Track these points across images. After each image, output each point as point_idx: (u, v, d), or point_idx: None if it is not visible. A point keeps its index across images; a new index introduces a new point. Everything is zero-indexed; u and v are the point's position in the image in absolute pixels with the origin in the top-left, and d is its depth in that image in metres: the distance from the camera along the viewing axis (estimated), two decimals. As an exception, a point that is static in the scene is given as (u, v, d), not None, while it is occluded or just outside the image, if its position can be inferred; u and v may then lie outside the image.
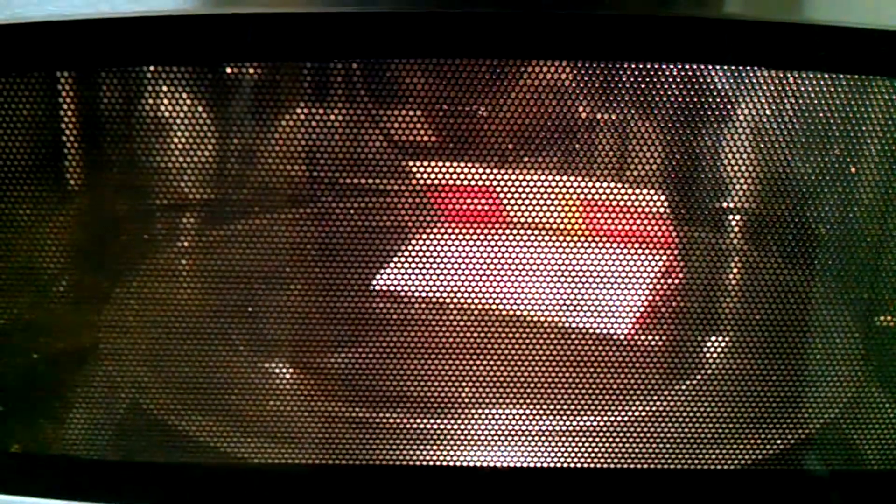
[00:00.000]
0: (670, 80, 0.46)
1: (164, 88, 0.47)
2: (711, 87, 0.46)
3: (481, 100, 0.47)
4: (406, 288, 0.51)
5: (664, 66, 0.46)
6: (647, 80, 0.46)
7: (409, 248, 0.51)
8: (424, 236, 0.50)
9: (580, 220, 0.50)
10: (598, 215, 0.50)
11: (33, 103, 0.48)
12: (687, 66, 0.46)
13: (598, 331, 0.53)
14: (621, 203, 0.50)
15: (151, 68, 0.47)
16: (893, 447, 0.55)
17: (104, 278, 0.54)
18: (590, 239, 0.51)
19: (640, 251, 0.51)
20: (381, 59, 0.45)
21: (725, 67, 0.46)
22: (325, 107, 0.48)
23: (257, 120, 0.50)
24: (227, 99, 0.49)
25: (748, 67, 0.46)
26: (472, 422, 0.54)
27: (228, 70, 0.48)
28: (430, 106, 0.47)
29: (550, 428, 0.54)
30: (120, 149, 0.50)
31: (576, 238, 0.51)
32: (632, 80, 0.46)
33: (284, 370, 0.55)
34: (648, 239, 0.51)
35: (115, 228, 0.53)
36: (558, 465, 0.54)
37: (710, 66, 0.46)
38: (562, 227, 0.50)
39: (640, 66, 0.46)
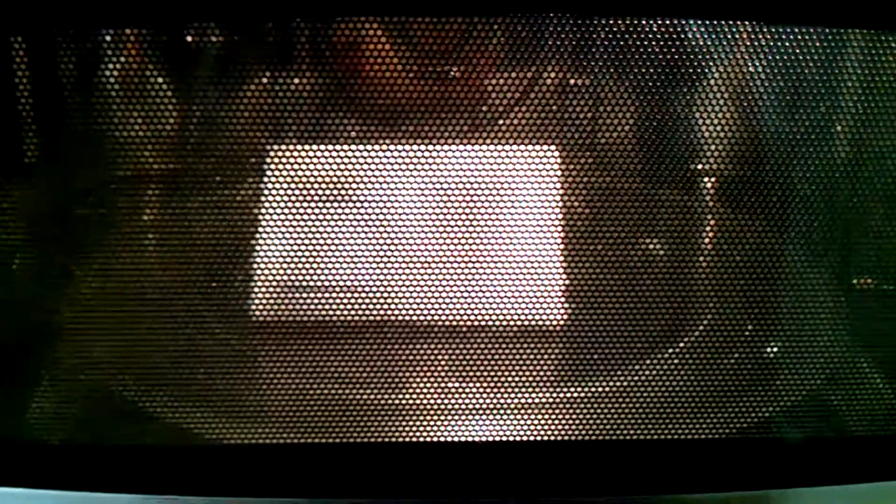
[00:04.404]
0: (644, 36, 0.45)
1: (124, 54, 0.46)
2: (685, 43, 0.46)
3: (450, 60, 0.46)
4: (379, 260, 0.50)
5: (638, 22, 0.45)
6: (621, 36, 0.45)
7: (380, 220, 0.50)
8: (397, 206, 0.49)
9: (557, 189, 0.50)
10: (574, 182, 0.49)
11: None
12: (661, 21, 0.45)
13: (576, 301, 0.52)
14: (596, 169, 0.49)
15: (110, 32, 0.45)
16: (876, 412, 0.54)
17: (65, 256, 0.52)
18: (565, 205, 0.50)
19: (614, 217, 0.50)
20: (345, 18, 0.44)
21: (699, 22, 0.45)
22: (286, 74, 0.47)
23: (220, 87, 0.48)
24: (188, 67, 0.48)
25: (722, 22, 0.45)
26: (450, 397, 0.53)
27: (188, 36, 0.47)
28: (397, 68, 0.46)
29: (530, 401, 0.54)
30: (78, 118, 0.49)
31: (552, 205, 0.50)
32: (605, 36, 0.45)
33: (254, 347, 0.54)
34: (624, 205, 0.50)
35: (74, 203, 0.52)
36: (540, 438, 0.53)
37: (685, 21, 0.45)
38: (538, 194, 0.50)
39: (614, 22, 0.45)
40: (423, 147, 0.48)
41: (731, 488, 0.54)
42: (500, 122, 0.48)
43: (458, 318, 0.51)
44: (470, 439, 0.53)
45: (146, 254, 0.53)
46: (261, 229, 0.50)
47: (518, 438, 0.53)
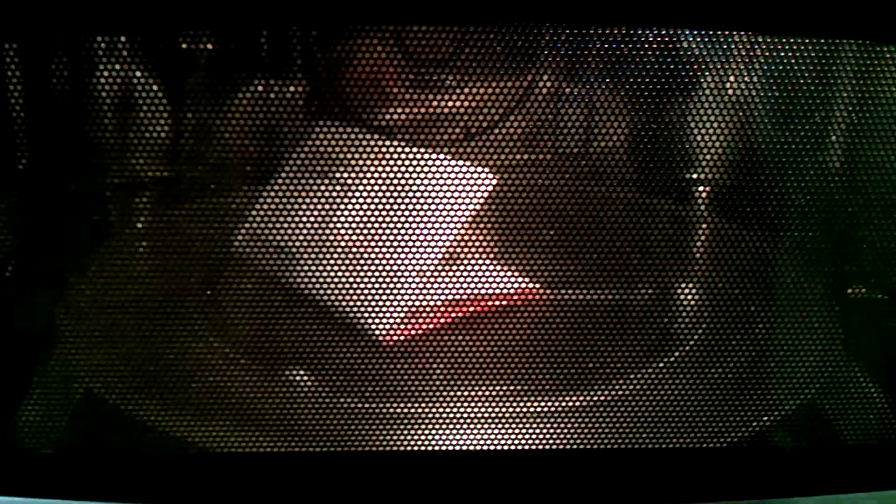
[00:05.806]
0: (638, 45, 0.45)
1: (116, 61, 0.46)
2: (680, 52, 0.46)
3: (445, 69, 0.46)
4: (375, 267, 0.50)
5: (633, 32, 0.45)
6: (616, 45, 0.45)
7: (373, 225, 0.50)
8: (399, 211, 0.49)
9: (555, 193, 0.49)
10: (570, 191, 0.49)
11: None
12: (655, 31, 0.45)
13: (570, 310, 0.52)
14: (590, 178, 0.49)
15: (101, 39, 0.45)
16: (871, 421, 0.54)
17: (57, 263, 0.52)
18: (561, 212, 0.50)
19: (608, 226, 0.50)
20: (339, 26, 0.44)
21: (694, 32, 0.45)
22: (280, 80, 0.47)
23: (209, 95, 0.48)
24: (180, 73, 0.48)
25: (716, 32, 0.45)
26: (448, 405, 0.53)
27: (182, 42, 0.47)
28: (393, 75, 0.46)
29: (525, 411, 0.54)
30: (70, 126, 0.49)
31: (548, 210, 0.50)
32: (600, 46, 0.45)
33: (248, 356, 0.54)
34: (618, 214, 0.50)
35: (68, 210, 0.52)
36: (535, 448, 0.53)
37: (680, 31, 0.45)
38: (535, 199, 0.49)
39: (609, 32, 0.45)
40: (416, 151, 0.47)
41: (728, 498, 0.53)
42: (495, 130, 0.48)
43: (453, 324, 0.51)
44: (464, 449, 0.53)
45: (139, 260, 0.53)
46: (253, 236, 0.50)
47: (514, 448, 0.53)
